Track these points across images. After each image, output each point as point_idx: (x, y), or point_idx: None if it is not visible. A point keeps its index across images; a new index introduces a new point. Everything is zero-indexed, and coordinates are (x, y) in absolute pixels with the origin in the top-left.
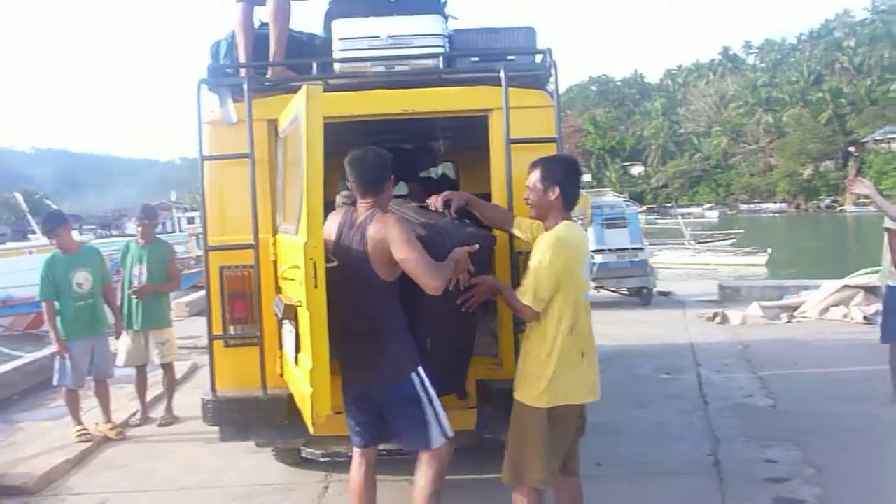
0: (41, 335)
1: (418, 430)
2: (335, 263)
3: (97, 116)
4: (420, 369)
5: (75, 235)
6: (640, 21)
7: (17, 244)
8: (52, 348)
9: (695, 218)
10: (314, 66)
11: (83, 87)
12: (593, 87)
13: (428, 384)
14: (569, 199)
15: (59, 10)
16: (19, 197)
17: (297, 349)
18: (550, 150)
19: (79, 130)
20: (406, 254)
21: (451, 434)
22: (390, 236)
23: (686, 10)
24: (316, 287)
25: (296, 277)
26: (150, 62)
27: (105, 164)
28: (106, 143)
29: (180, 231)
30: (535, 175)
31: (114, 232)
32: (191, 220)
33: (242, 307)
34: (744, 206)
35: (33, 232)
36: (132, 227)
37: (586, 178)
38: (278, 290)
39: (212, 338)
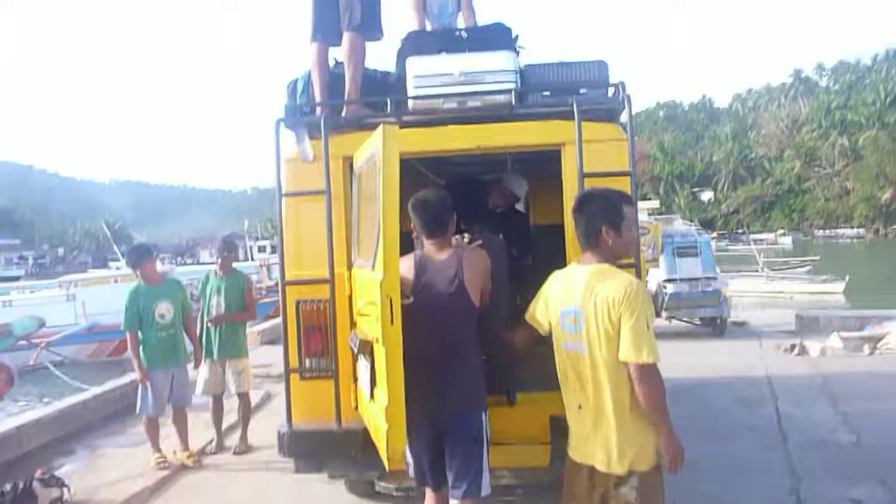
0: (123, 362)
1: (476, 472)
2: (410, 300)
3: (174, 148)
4: (486, 412)
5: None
6: (708, 45)
7: (102, 272)
8: (132, 376)
9: (768, 245)
10: (388, 103)
11: (161, 120)
12: (661, 113)
13: (488, 430)
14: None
15: (135, 51)
16: (105, 228)
17: (373, 384)
18: (624, 183)
19: (156, 162)
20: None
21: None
22: (484, 267)
23: (755, 33)
24: (392, 323)
25: (372, 313)
26: (224, 94)
27: (181, 194)
28: (182, 174)
29: (252, 260)
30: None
31: (188, 260)
32: (262, 249)
33: (318, 341)
34: (819, 232)
35: (114, 259)
36: (206, 255)
37: (654, 204)
38: (353, 324)
39: (288, 370)
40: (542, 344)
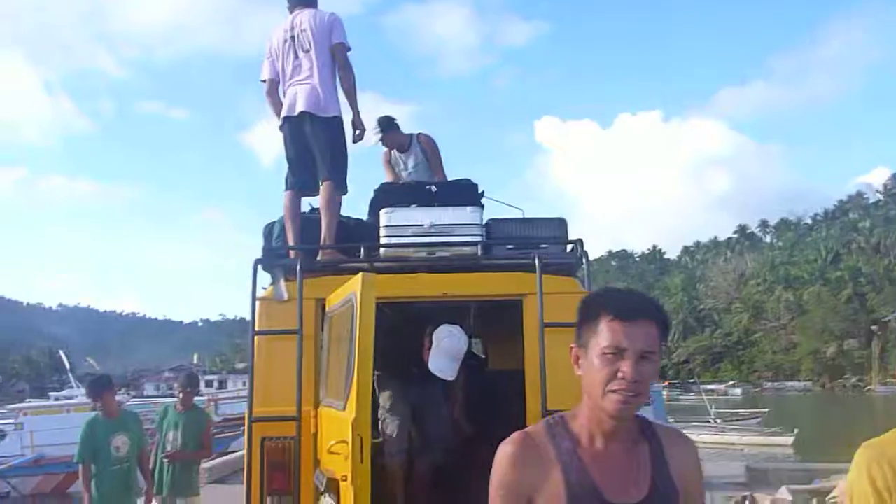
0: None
1: None
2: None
3: (126, 274)
4: None
5: None
6: (658, 198)
7: (41, 402)
8: None
9: (719, 395)
10: (362, 250)
11: (116, 246)
12: (613, 262)
13: None
14: None
15: (92, 176)
16: (64, 357)
17: None
18: None
19: (106, 287)
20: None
21: None
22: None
23: (702, 188)
24: (362, 462)
25: (342, 452)
26: (178, 224)
27: (129, 324)
28: (132, 301)
29: (199, 396)
30: None
31: (132, 393)
32: (209, 384)
33: (281, 478)
34: (768, 384)
35: (53, 389)
36: (151, 388)
37: None
38: (317, 462)
39: None
40: None
